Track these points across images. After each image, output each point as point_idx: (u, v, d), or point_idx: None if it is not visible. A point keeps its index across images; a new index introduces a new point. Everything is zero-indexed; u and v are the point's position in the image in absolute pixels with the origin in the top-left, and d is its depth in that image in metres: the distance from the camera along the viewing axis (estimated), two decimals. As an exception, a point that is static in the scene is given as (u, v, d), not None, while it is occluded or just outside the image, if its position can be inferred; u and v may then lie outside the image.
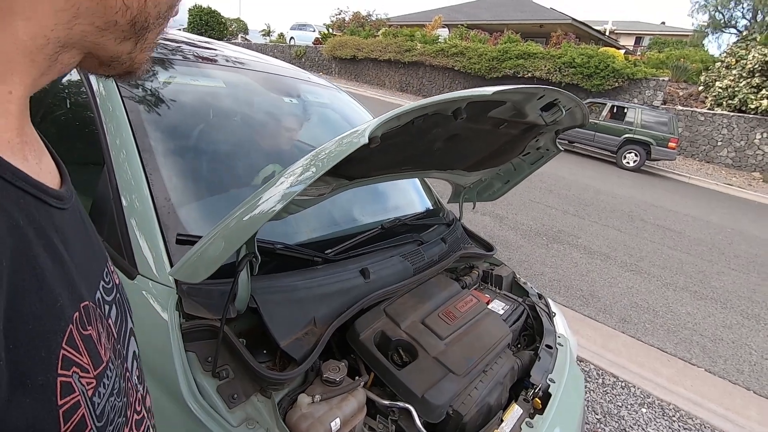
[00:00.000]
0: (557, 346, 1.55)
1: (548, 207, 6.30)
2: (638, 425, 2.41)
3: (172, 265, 1.02)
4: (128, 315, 0.45)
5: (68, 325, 0.30)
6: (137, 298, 1.01)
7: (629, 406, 2.55)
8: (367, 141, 0.66)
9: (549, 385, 1.32)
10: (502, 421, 1.13)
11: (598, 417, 2.41)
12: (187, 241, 1.06)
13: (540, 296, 1.84)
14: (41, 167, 0.34)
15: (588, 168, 10.16)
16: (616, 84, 14.05)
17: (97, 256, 0.41)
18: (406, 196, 1.92)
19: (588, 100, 12.57)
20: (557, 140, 1.69)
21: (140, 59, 0.37)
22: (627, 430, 2.36)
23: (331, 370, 1.01)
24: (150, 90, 1.44)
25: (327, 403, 0.95)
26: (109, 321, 0.39)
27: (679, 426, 2.46)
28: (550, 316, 1.72)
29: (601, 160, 11.55)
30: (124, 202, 1.09)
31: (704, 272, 4.93)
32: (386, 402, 1.05)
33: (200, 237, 1.06)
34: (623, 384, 2.74)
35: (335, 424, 0.92)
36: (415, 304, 1.32)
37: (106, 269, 0.41)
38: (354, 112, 2.21)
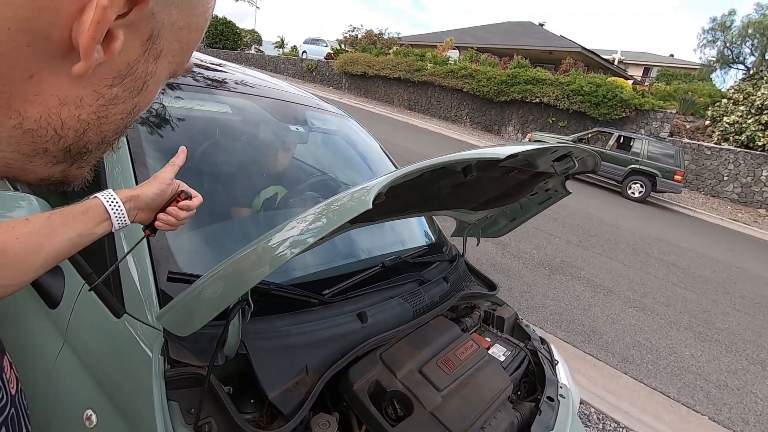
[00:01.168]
0: (559, 398, 1.48)
1: (552, 236, 6.24)
2: (639, 477, 2.31)
3: (161, 305, 0.98)
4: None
5: None
6: (124, 338, 0.96)
7: (630, 456, 2.45)
8: (370, 206, 0.62)
9: (550, 444, 1.26)
10: (499, 487, 1.06)
11: (597, 466, 2.31)
12: (179, 279, 1.02)
13: (542, 341, 1.78)
14: None
15: (593, 197, 10.12)
16: (624, 114, 14.11)
17: None
18: (409, 229, 1.88)
19: (595, 129, 12.61)
20: (566, 183, 1.66)
21: (76, 175, 0.33)
22: (627, 482, 2.26)
23: (321, 425, 0.96)
24: (152, 110, 1.41)
25: (313, 464, 0.89)
26: None
27: (681, 480, 2.36)
28: (553, 363, 1.66)
29: (606, 188, 11.52)
30: (116, 235, 1.05)
31: (709, 312, 4.83)
32: (377, 460, 0.99)
33: (193, 276, 1.02)
34: (624, 430, 2.64)
35: (321, 488, 0.86)
36: (413, 350, 1.27)
37: None
38: (361, 140, 2.19)
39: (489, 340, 1.61)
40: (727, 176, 13.17)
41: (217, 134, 1.52)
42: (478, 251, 4.94)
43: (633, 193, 10.96)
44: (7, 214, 1.03)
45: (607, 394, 2.98)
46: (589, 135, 12.42)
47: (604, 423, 2.67)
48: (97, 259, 1.06)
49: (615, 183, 11.44)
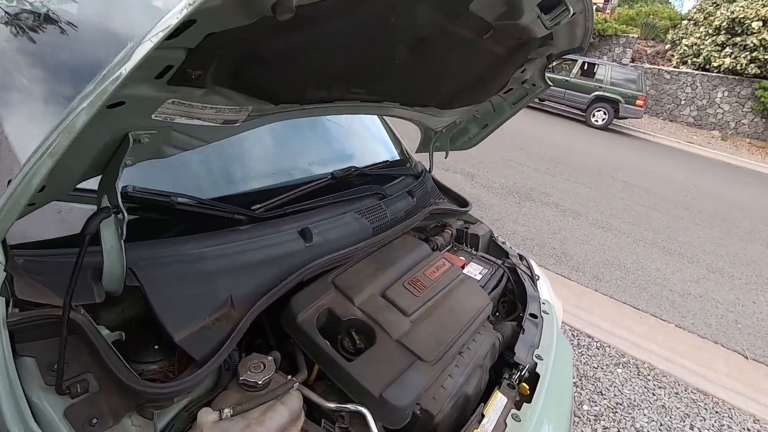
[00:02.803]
0: (542, 314, 1.33)
1: (520, 165, 6.12)
2: (614, 386, 2.31)
3: None
4: None
5: None
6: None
7: (605, 367, 2.45)
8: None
9: (536, 364, 1.10)
10: (483, 416, 0.89)
11: (574, 381, 2.29)
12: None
13: (521, 257, 1.61)
14: None
15: (558, 126, 10.05)
16: (587, 40, 13.79)
17: None
18: (366, 142, 1.60)
19: (559, 56, 12.31)
20: (546, 73, 1.40)
21: None
22: (603, 392, 2.25)
23: (252, 368, 0.73)
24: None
25: (243, 419, 0.67)
26: None
27: (654, 385, 2.38)
28: (533, 279, 1.49)
29: (571, 118, 11.46)
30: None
31: (671, 228, 4.93)
32: (332, 405, 0.78)
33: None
34: (598, 344, 2.64)
35: (253, 448, 0.64)
36: (374, 272, 1.04)
37: None
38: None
39: (463, 258, 1.42)
40: (684, 100, 13.37)
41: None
42: (445, 181, 4.75)
43: (596, 120, 10.96)
44: None
45: (580, 312, 2.96)
46: (554, 63, 12.13)
47: (578, 339, 2.65)
48: None
49: (579, 112, 11.38)
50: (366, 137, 1.59)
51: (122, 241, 0.64)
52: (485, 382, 1.05)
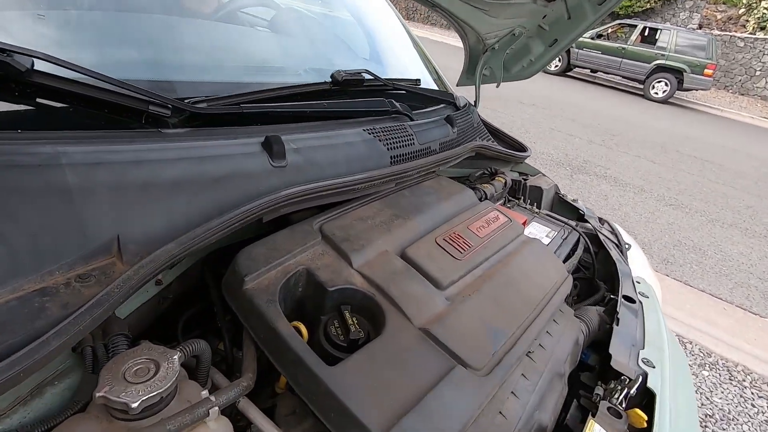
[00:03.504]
0: (640, 297, 0.90)
1: (570, 136, 5.50)
2: (701, 392, 1.84)
3: None
4: None
5: None
6: None
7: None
8: None
9: (646, 375, 0.69)
10: (573, 470, 0.50)
11: (649, 384, 1.84)
12: None
13: (601, 220, 1.18)
14: None
15: (612, 99, 9.13)
16: (648, 5, 12.51)
17: None
18: (390, 55, 1.19)
19: (616, 22, 11.20)
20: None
21: None
22: (687, 400, 1.79)
23: (131, 375, 0.36)
24: None
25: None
26: None
27: (752, 394, 1.89)
28: (621, 248, 1.06)
29: (626, 91, 10.43)
30: None
31: (753, 208, 4.24)
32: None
33: None
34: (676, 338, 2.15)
35: None
36: (389, 221, 0.66)
37: None
38: None
39: (523, 215, 1.00)
40: (760, 70, 11.89)
41: None
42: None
43: (656, 93, 9.89)
44: None
45: (650, 300, 2.47)
46: (609, 30, 11.04)
47: (651, 332, 2.18)
48: None
49: (636, 83, 10.33)
50: (390, 49, 1.18)
51: None
52: (563, 397, 0.66)
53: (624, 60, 10.35)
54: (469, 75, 1.34)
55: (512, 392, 0.52)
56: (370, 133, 0.73)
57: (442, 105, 1.09)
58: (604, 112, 7.26)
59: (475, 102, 1.31)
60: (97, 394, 0.34)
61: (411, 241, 0.65)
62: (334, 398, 0.41)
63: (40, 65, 0.45)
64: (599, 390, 0.65)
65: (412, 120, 0.88)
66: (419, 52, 1.27)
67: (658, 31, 10.22)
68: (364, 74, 0.82)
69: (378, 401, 0.41)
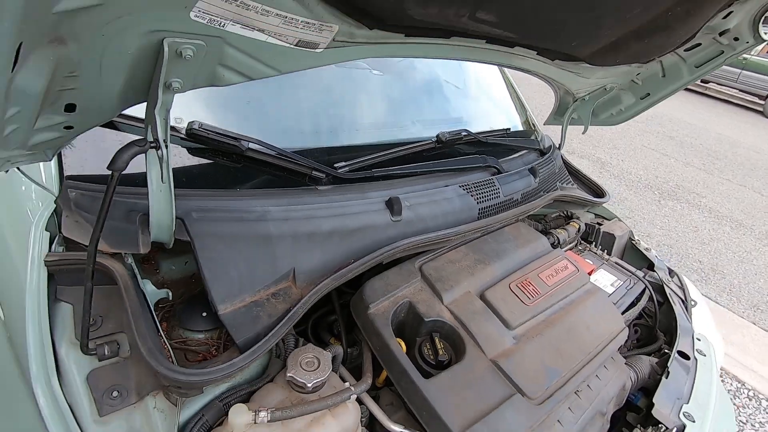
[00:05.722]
0: (697, 355, 0.98)
1: (666, 156, 5.14)
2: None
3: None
4: None
5: None
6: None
7: (758, 425, 1.90)
8: None
9: (684, 427, 0.79)
10: (601, 490, 0.64)
11: (710, 433, 1.82)
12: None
13: (671, 272, 1.23)
14: None
15: (725, 115, 8.24)
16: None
17: None
18: (484, 105, 1.34)
19: (740, 28, 9.98)
20: (763, 24, 0.99)
21: None
22: (751, 456, 1.75)
23: (304, 365, 0.58)
24: None
25: (281, 427, 0.53)
26: None
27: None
28: (687, 304, 1.12)
29: (742, 107, 9.32)
30: None
31: None
32: (397, 429, 0.61)
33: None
34: (751, 393, 2.07)
35: (288, 470, 0.50)
36: (473, 265, 0.82)
37: None
38: None
39: (591, 263, 1.11)
40: None
41: None
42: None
43: (780, 111, 8.75)
44: None
45: (729, 347, 2.35)
46: (731, 36, 9.87)
47: (722, 380, 2.10)
48: None
49: (756, 99, 9.19)
50: (484, 99, 1.32)
51: (171, 185, 0.53)
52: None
53: (744, 71, 9.24)
54: (557, 117, 1.43)
55: (558, 420, 0.67)
56: (464, 189, 0.90)
57: (527, 150, 1.22)
58: (710, 130, 6.61)
59: (560, 144, 1.40)
60: (288, 374, 0.56)
61: (489, 285, 0.81)
62: (427, 402, 0.59)
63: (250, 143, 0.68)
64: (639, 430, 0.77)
65: (499, 171, 1.03)
66: (511, 92, 1.39)
67: (793, 41, 8.95)
68: (463, 133, 0.99)
69: (458, 411, 0.59)
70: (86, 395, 0.50)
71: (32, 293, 0.51)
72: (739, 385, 2.09)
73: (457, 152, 1.00)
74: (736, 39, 1.04)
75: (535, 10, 0.65)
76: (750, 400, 2.03)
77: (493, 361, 0.67)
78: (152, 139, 0.47)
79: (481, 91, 1.31)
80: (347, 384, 0.60)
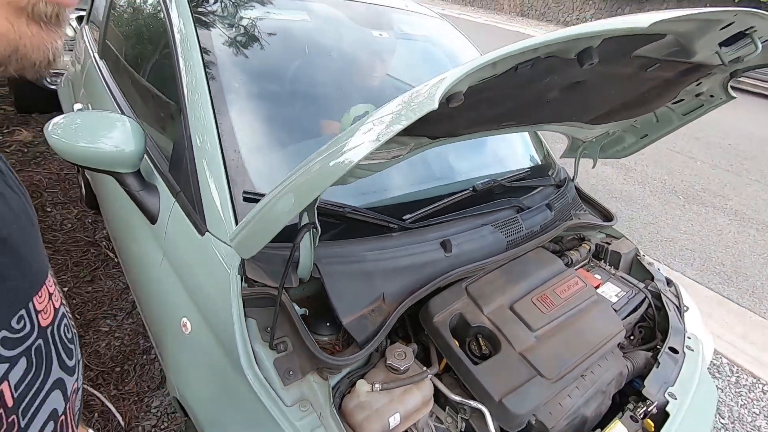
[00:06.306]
0: (685, 350, 1.24)
1: (691, 158, 5.22)
2: (779, 439, 1.97)
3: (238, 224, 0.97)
4: (60, 367, 0.36)
5: None
6: (207, 254, 0.99)
7: (770, 416, 2.09)
8: (436, 106, 0.46)
9: (667, 402, 1.06)
10: (599, 440, 0.93)
11: (723, 422, 2.03)
12: (255, 199, 1.00)
13: (669, 282, 1.49)
14: None
15: (756, 110, 8.10)
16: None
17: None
18: (508, 147, 1.64)
19: None
20: (730, 84, 1.24)
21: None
22: (762, 443, 1.95)
23: (396, 355, 0.90)
24: (226, 22, 1.35)
25: (388, 394, 0.85)
26: (2, 385, 0.30)
27: (839, 451, 1.96)
28: (681, 309, 1.38)
29: (778, 99, 9.11)
30: (195, 153, 1.05)
31: None
32: (457, 398, 0.92)
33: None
34: (766, 387, 2.25)
35: (394, 419, 0.83)
36: (504, 285, 1.13)
37: (22, 311, 0.31)
38: (458, 47, 1.90)
39: (599, 277, 1.39)
40: None
41: (295, 46, 1.41)
42: (594, 175, 4.36)
43: (818, 103, 8.50)
44: (108, 134, 1.09)
45: (748, 345, 2.53)
46: None
47: (738, 377, 2.29)
48: (184, 176, 1.08)
49: (792, 91, 8.95)
50: (509, 144, 1.62)
51: (314, 245, 0.87)
52: (606, 407, 1.07)
53: (778, 64, 8.98)
54: (570, 152, 1.71)
55: (568, 395, 0.96)
56: (495, 227, 1.21)
57: (545, 186, 1.51)
58: (740, 128, 6.56)
59: (573, 177, 1.68)
60: (387, 362, 0.88)
61: (516, 299, 1.11)
62: (476, 380, 0.90)
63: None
64: (630, 405, 1.05)
65: (521, 209, 1.33)
66: (532, 137, 1.69)
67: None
68: (492, 183, 1.30)
69: (497, 385, 0.90)
70: (275, 374, 0.83)
71: (236, 313, 0.86)
72: (753, 381, 2.28)
73: (489, 195, 1.30)
74: (711, 96, 1.30)
75: (540, 113, 0.95)
76: (765, 393, 2.22)
77: (521, 354, 0.98)
78: (311, 221, 0.81)
79: (507, 138, 1.61)
80: (424, 368, 0.92)
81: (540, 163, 1.67)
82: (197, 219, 1.02)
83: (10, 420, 0.30)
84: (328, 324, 0.96)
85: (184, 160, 1.07)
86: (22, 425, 0.32)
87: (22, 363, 0.32)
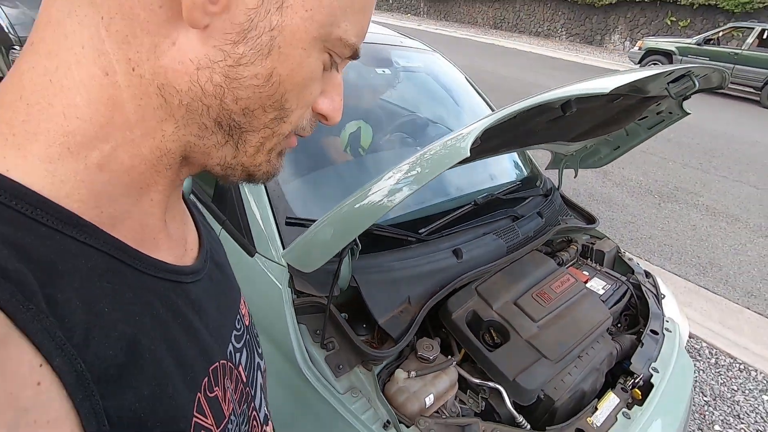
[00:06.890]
0: (664, 331, 1.44)
1: (664, 159, 5.56)
2: (756, 413, 2.19)
3: (283, 246, 1.14)
4: (256, 352, 0.48)
5: (197, 394, 0.31)
6: (257, 273, 1.15)
7: (747, 391, 2.31)
8: (468, 154, 0.65)
9: (651, 375, 1.26)
10: (596, 409, 1.11)
11: (706, 399, 2.24)
12: (295, 223, 1.17)
13: (647, 274, 1.70)
14: (185, 246, 0.37)
15: (720, 110, 8.61)
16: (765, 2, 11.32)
17: (230, 306, 0.42)
18: (500, 164, 1.85)
19: (728, 25, 10.41)
20: (683, 104, 1.47)
21: (250, 163, 0.34)
22: (741, 416, 2.16)
23: (425, 348, 1.08)
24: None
25: (422, 379, 1.03)
26: (240, 368, 0.40)
27: (810, 419, 2.19)
28: (658, 297, 1.59)
29: (739, 98, 9.68)
30: (240, 186, 1.22)
31: None
32: (477, 381, 1.10)
33: (305, 220, 1.16)
34: (741, 366, 2.48)
35: (429, 399, 1.00)
36: (508, 284, 1.32)
37: (238, 315, 0.44)
38: (448, 75, 2.12)
39: (587, 273, 1.59)
40: None
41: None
42: (576, 181, 4.63)
43: (776, 101, 9.07)
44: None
45: (724, 330, 2.77)
46: (720, 33, 10.29)
47: (717, 358, 2.52)
48: (230, 206, 1.25)
49: (752, 91, 9.54)
50: (500, 160, 1.83)
51: (353, 260, 1.04)
52: (601, 383, 1.26)
53: (737, 66, 9.61)
54: (553, 165, 1.93)
55: (569, 373, 1.15)
56: (496, 235, 1.40)
57: (534, 197, 1.72)
58: (708, 128, 6.99)
59: (558, 185, 1.90)
60: (419, 353, 1.05)
61: (519, 296, 1.30)
62: (492, 364, 1.08)
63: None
64: (621, 380, 1.24)
65: (517, 218, 1.53)
66: (520, 155, 1.90)
67: (781, 33, 9.34)
68: (490, 197, 1.49)
69: (510, 367, 1.08)
70: (327, 368, 1.00)
71: (290, 320, 1.02)
72: (731, 361, 2.51)
73: (489, 208, 1.50)
74: (670, 113, 1.53)
75: (525, 140, 1.15)
76: (741, 371, 2.45)
77: (527, 341, 1.16)
78: (353, 241, 0.98)
79: (502, 159, 1.82)
80: (449, 356, 1.10)
81: (528, 175, 1.89)
82: (245, 243, 1.19)
83: (246, 390, 0.41)
84: (364, 325, 1.13)
85: (229, 191, 1.24)
86: (251, 393, 0.43)
87: (245, 353, 0.43)
